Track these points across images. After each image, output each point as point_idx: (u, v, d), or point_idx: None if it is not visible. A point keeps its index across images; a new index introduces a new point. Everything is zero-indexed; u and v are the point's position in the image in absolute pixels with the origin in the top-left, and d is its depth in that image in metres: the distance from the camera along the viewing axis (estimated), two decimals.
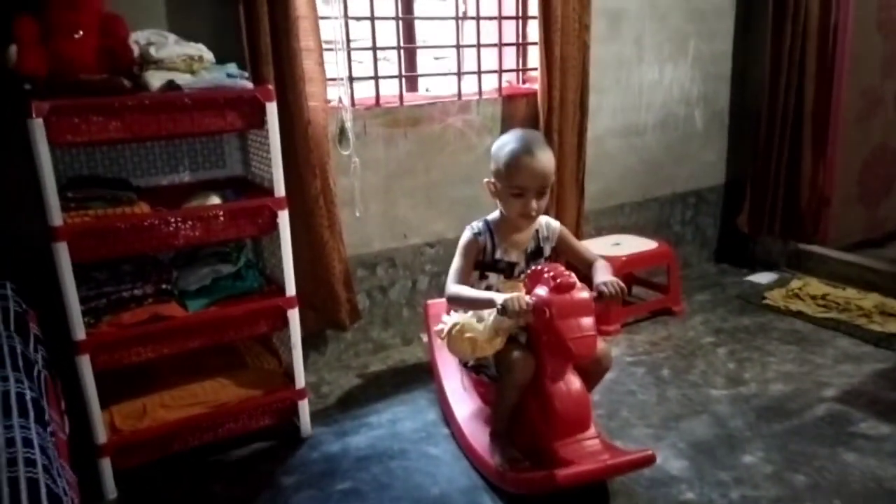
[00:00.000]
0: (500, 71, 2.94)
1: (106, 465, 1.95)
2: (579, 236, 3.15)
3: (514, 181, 1.91)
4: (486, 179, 2.00)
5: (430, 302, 2.55)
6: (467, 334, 1.87)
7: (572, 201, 3.06)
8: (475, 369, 2.08)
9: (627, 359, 2.72)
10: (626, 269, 3.03)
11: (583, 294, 1.79)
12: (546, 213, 2.14)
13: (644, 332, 2.98)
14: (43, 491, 1.07)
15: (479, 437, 2.08)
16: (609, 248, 3.05)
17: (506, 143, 1.96)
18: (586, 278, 1.92)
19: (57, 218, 1.76)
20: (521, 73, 3.08)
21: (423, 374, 2.64)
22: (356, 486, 1.99)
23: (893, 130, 3.87)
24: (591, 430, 1.86)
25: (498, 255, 2.00)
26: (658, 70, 3.35)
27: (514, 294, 1.78)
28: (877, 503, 1.83)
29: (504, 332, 1.87)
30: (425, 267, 2.87)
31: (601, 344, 1.88)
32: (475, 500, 1.92)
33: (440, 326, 1.95)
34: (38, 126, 1.68)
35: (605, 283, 1.85)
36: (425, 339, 2.61)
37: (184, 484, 2.03)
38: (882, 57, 3.66)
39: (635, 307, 3.15)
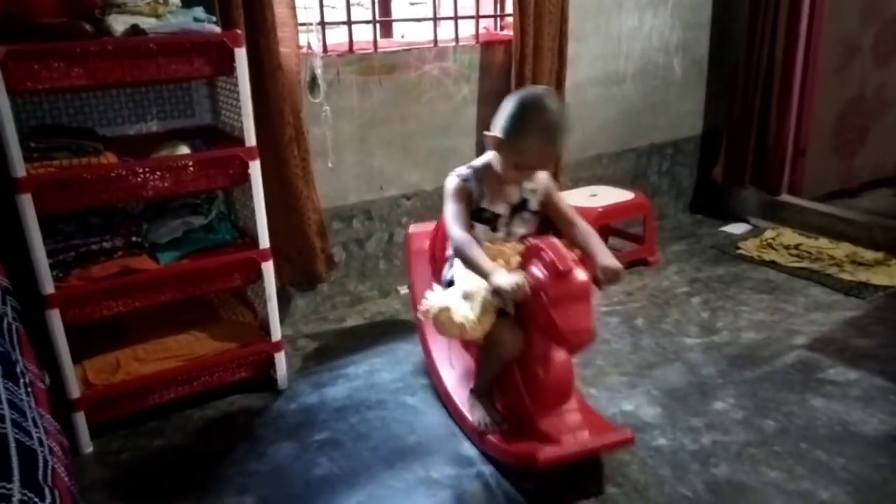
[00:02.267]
0: (478, 17, 2.88)
1: (80, 419, 1.94)
2: (557, 187, 3.13)
3: (524, 157, 1.77)
4: (487, 132, 1.82)
5: (412, 231, 2.39)
6: (456, 319, 1.73)
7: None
8: None
9: (603, 308, 2.74)
10: (603, 220, 3.03)
11: (581, 279, 1.67)
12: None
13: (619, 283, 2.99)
14: (12, 446, 1.05)
15: (460, 391, 2.06)
16: (586, 200, 3.05)
17: (529, 110, 1.75)
18: (568, 240, 1.86)
19: (20, 169, 1.70)
20: (498, 18, 3.01)
21: (400, 327, 2.64)
22: (334, 437, 2.01)
23: (870, 81, 3.87)
24: (573, 402, 1.82)
25: (484, 204, 1.88)
26: (638, 17, 3.29)
27: (512, 277, 1.66)
28: (842, 445, 1.89)
29: (493, 311, 1.76)
30: (402, 219, 2.84)
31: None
32: (452, 448, 1.94)
33: (425, 306, 1.79)
34: None
35: (604, 270, 1.75)
36: (403, 290, 2.61)
37: (160, 437, 2.03)
38: (861, 6, 3.64)
39: None
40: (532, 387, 1.82)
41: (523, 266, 1.77)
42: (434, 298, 1.79)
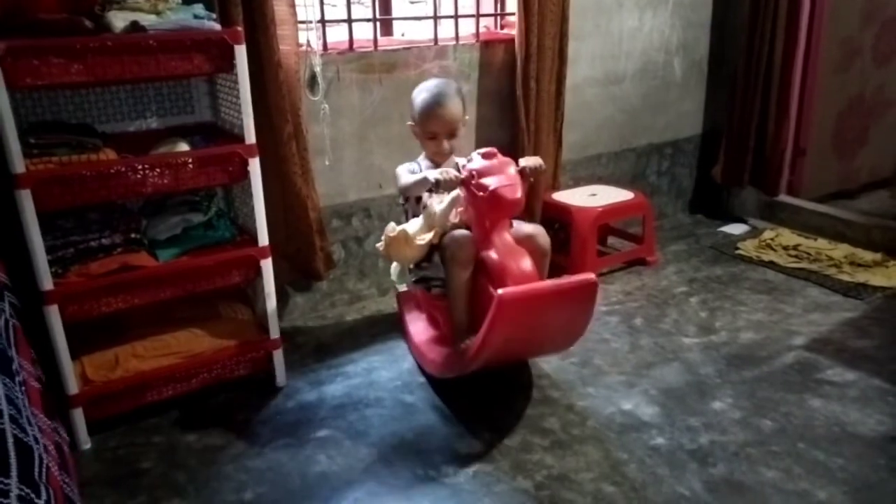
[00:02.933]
0: (478, 15, 2.88)
1: (78, 415, 1.94)
2: (556, 187, 3.14)
3: (427, 126, 2.21)
4: (408, 122, 2.30)
5: (401, 292, 2.62)
6: (400, 231, 2.09)
7: (550, 151, 3.04)
8: (424, 283, 2.26)
9: (601, 308, 2.74)
10: (602, 220, 3.03)
11: (501, 157, 2.01)
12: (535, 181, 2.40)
13: (618, 282, 3.00)
14: (10, 442, 1.05)
15: (427, 342, 2.28)
16: (586, 199, 3.05)
17: (420, 91, 2.25)
18: None
19: (19, 165, 1.70)
20: (499, 17, 3.01)
21: (399, 325, 2.64)
22: (332, 434, 2.01)
23: (870, 81, 3.87)
24: (534, 269, 1.96)
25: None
26: (638, 17, 3.29)
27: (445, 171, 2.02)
28: (840, 445, 1.89)
29: (436, 226, 2.10)
30: (401, 218, 2.83)
31: (537, 228, 2.15)
32: (451, 446, 1.94)
33: (385, 234, 2.14)
34: None
35: (525, 167, 2.08)
36: (402, 289, 2.60)
37: (158, 434, 2.03)
38: (861, 6, 3.64)
39: (610, 257, 3.17)
40: (493, 274, 1.95)
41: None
42: (387, 230, 2.14)
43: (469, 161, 2.07)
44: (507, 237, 1.99)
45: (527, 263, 1.93)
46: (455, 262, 2.04)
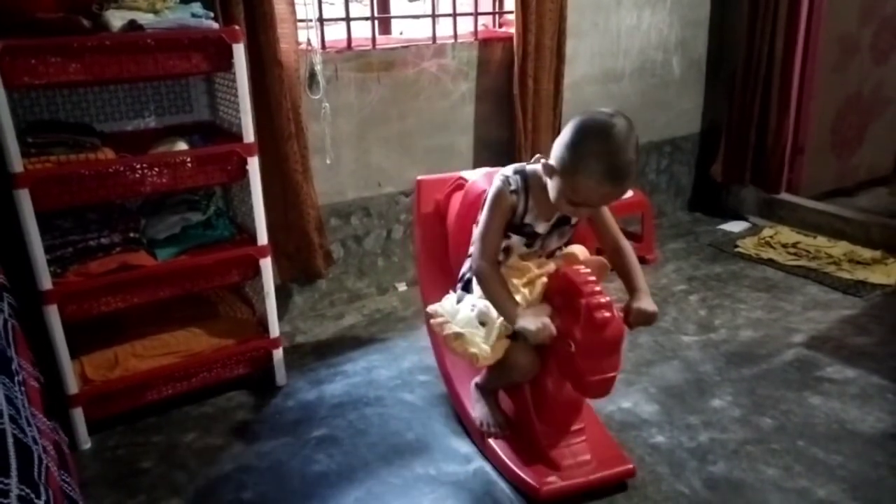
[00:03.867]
0: (476, 14, 2.87)
1: (78, 415, 1.94)
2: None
3: (580, 197, 1.56)
4: (543, 159, 1.63)
5: (430, 313, 1.84)
6: (470, 349, 1.65)
7: (548, 149, 3.02)
8: None
9: None
10: None
11: (616, 331, 1.55)
12: (519, 161, 1.96)
13: (617, 280, 2.98)
14: (10, 441, 1.05)
15: (467, 384, 1.99)
16: None
17: (594, 145, 1.50)
18: (603, 253, 1.80)
19: (17, 164, 1.70)
20: (497, 16, 3.01)
21: (398, 324, 2.64)
22: (332, 433, 2.01)
23: (868, 79, 3.87)
24: (580, 422, 1.80)
25: (527, 219, 1.71)
26: (636, 14, 3.29)
27: (537, 319, 1.56)
28: (839, 443, 1.89)
29: (507, 337, 1.69)
30: (400, 216, 2.84)
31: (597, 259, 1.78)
32: (451, 444, 1.94)
33: (438, 320, 1.72)
34: None
35: (638, 313, 1.64)
36: (401, 288, 2.59)
37: (158, 434, 2.03)
38: (859, 4, 3.64)
39: None
40: (541, 403, 1.78)
41: (549, 295, 1.68)
42: (447, 310, 1.72)
43: (563, 284, 1.63)
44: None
45: (579, 410, 1.79)
46: (510, 377, 1.77)
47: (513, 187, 1.68)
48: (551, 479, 1.71)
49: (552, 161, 1.59)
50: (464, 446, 1.93)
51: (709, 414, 2.04)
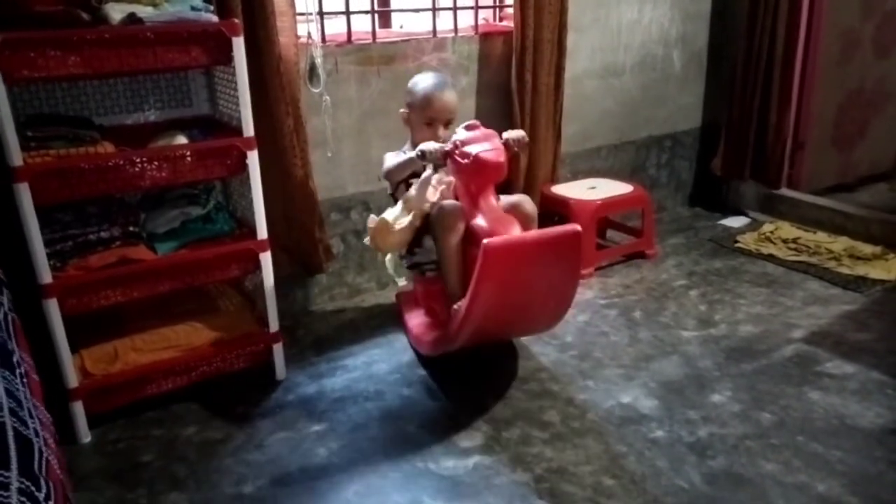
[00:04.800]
0: (476, 7, 2.86)
1: (78, 408, 1.94)
2: (555, 179, 3.13)
3: (426, 112, 2.26)
4: (401, 110, 2.32)
5: (401, 291, 2.64)
6: (380, 220, 2.18)
7: (549, 144, 3.03)
8: (417, 269, 2.33)
9: (600, 301, 2.74)
10: (601, 213, 3.03)
11: (488, 130, 2.08)
12: (519, 155, 2.49)
13: (617, 276, 3.00)
14: (10, 434, 1.05)
15: (423, 326, 2.34)
16: (585, 192, 3.04)
17: (420, 80, 2.31)
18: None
19: (17, 158, 1.69)
20: (497, 9, 3.00)
21: (399, 322, 2.64)
22: (332, 427, 2.01)
23: (870, 74, 3.86)
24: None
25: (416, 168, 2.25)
26: (637, 9, 3.28)
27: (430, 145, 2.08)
28: (839, 438, 1.89)
29: (413, 208, 2.17)
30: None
31: (519, 195, 2.24)
32: (450, 438, 1.95)
33: (366, 237, 2.29)
34: None
35: (508, 139, 2.13)
36: (401, 283, 2.61)
37: (158, 427, 2.03)
38: None
39: (609, 251, 3.16)
40: (478, 236, 1.95)
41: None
42: (369, 223, 2.23)
43: (453, 134, 2.11)
44: (494, 203, 2.06)
45: (514, 227, 1.99)
46: (443, 228, 2.08)
47: (396, 151, 2.33)
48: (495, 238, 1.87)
49: (405, 109, 2.33)
50: (463, 441, 1.94)
51: (708, 409, 2.04)
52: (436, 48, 2.74)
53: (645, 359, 2.32)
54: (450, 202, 2.12)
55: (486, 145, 2.02)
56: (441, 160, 2.09)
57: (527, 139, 2.20)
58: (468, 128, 2.09)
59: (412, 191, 2.20)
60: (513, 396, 2.13)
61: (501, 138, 2.12)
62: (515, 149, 2.17)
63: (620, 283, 2.92)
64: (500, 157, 2.02)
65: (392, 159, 2.27)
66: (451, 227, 2.07)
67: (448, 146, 2.06)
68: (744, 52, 3.40)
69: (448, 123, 2.28)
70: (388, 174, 2.28)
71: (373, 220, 2.21)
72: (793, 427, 1.95)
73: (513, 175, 2.86)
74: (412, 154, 2.11)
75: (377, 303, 2.80)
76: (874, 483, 1.73)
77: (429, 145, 2.07)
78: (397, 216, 2.19)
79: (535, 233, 1.99)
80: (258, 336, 2.20)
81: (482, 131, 2.08)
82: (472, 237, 2.04)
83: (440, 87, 2.27)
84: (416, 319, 2.42)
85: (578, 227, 1.88)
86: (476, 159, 1.98)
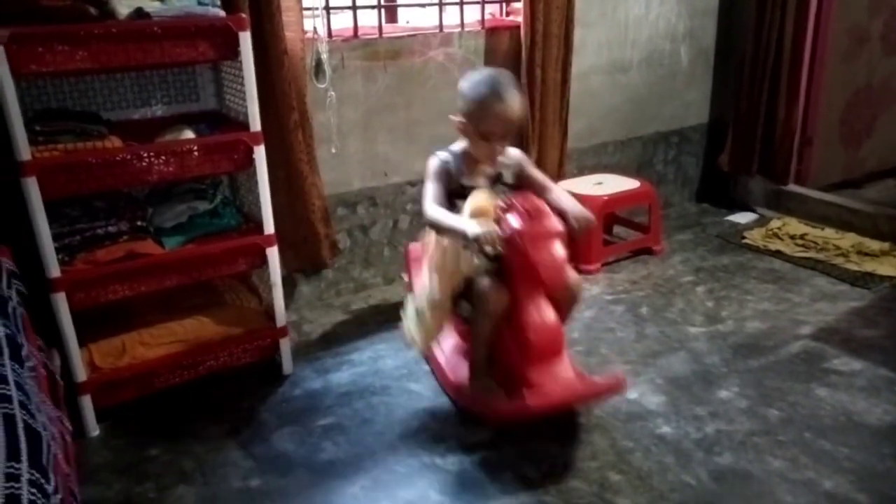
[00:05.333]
0: (483, 2, 2.86)
1: (87, 402, 1.95)
2: (562, 175, 3.12)
3: (482, 126, 1.91)
4: (453, 117, 1.99)
5: (411, 246, 2.48)
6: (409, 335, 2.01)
7: (555, 140, 3.02)
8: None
9: (607, 297, 2.74)
10: (608, 208, 3.02)
11: (553, 222, 1.83)
12: (527, 151, 2.24)
13: (624, 271, 2.99)
14: (20, 426, 1.06)
15: (455, 368, 2.12)
16: (591, 188, 3.04)
17: (476, 84, 1.93)
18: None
19: (25, 152, 1.70)
20: (504, 4, 2.99)
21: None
22: (338, 422, 2.01)
23: (878, 70, 3.84)
24: (564, 359, 1.90)
25: (463, 181, 2.01)
26: (644, 4, 3.27)
27: (484, 224, 1.79)
28: (846, 435, 1.88)
29: (443, 311, 1.97)
30: (406, 206, 2.84)
31: (572, 274, 1.94)
32: (456, 433, 1.95)
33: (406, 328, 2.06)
34: None
35: (576, 219, 1.91)
36: (406, 278, 2.61)
37: (165, 421, 2.04)
38: None
39: (616, 246, 3.16)
40: (523, 345, 1.87)
41: (499, 221, 1.87)
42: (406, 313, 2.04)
43: (508, 206, 1.85)
44: (542, 304, 1.89)
45: (557, 339, 1.89)
46: (485, 315, 1.89)
47: (444, 159, 2.02)
48: (540, 396, 1.80)
49: (459, 116, 1.97)
50: (470, 436, 1.94)
51: (715, 405, 2.04)
52: (442, 43, 2.74)
53: (652, 355, 2.32)
54: (498, 290, 1.87)
55: (553, 253, 1.79)
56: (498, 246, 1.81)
57: (594, 223, 1.97)
58: (528, 210, 1.80)
59: (446, 255, 1.91)
60: None
61: (569, 219, 1.89)
62: (579, 233, 1.93)
63: (627, 279, 2.92)
64: (563, 271, 1.84)
65: (433, 206, 1.92)
66: (495, 316, 1.89)
67: (506, 230, 1.80)
68: (751, 48, 3.38)
69: (510, 135, 1.97)
70: (432, 224, 1.93)
71: (417, 310, 1.98)
72: (800, 424, 1.94)
73: None
74: (466, 231, 1.76)
75: (383, 298, 2.80)
76: (882, 480, 1.72)
77: (486, 234, 1.74)
78: (435, 293, 1.93)
79: (580, 391, 1.89)
80: (265, 331, 2.20)
81: (547, 224, 1.80)
82: (510, 320, 1.90)
83: (501, 94, 1.88)
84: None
85: (623, 379, 1.89)
86: (537, 274, 1.79)
